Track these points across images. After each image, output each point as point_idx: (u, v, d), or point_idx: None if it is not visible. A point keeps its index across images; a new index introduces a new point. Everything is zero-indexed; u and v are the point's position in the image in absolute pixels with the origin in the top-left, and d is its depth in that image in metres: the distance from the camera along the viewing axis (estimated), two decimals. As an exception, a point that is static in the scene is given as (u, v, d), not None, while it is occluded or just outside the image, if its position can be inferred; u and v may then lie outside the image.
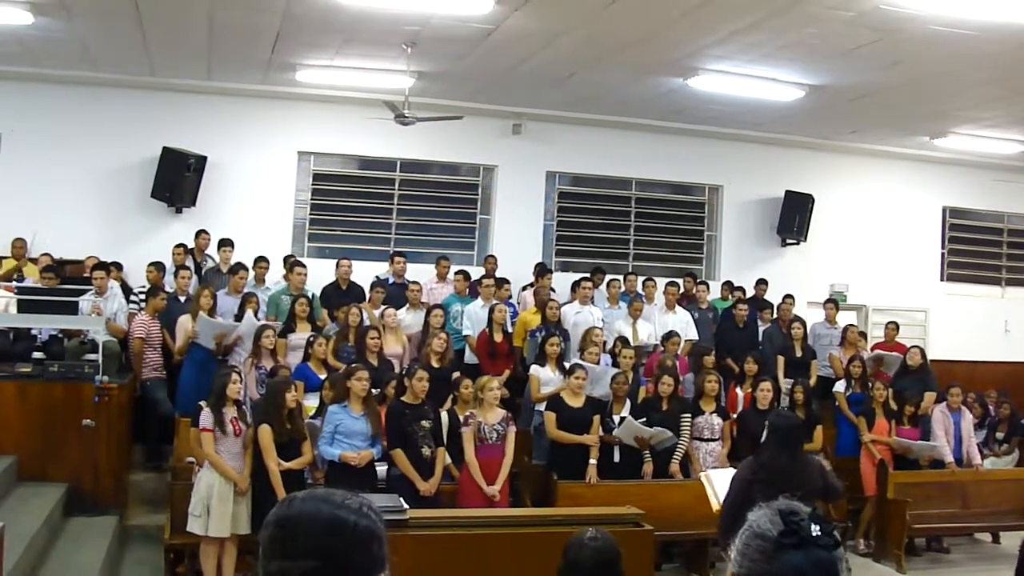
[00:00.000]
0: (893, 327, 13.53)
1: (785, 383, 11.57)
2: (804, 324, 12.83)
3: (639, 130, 15.29)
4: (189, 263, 12.34)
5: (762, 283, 14.30)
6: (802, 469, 6.73)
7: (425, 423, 8.64)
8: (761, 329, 13.23)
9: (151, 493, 10.24)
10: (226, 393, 8.31)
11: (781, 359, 12.30)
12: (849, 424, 11.29)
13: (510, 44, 11.23)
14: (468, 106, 13.78)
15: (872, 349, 13.22)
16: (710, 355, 11.40)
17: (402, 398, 8.79)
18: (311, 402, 9.54)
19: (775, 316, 13.30)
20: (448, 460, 8.90)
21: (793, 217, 16.03)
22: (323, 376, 9.83)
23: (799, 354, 12.40)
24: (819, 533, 1.85)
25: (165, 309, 11.08)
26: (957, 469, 11.11)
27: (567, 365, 10.26)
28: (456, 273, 12.79)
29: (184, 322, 10.63)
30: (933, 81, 11.79)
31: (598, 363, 10.63)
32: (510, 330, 11.76)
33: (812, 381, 11.91)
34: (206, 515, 8.06)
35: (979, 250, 17.83)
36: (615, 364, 10.89)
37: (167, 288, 11.67)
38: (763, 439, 7.10)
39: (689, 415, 10.04)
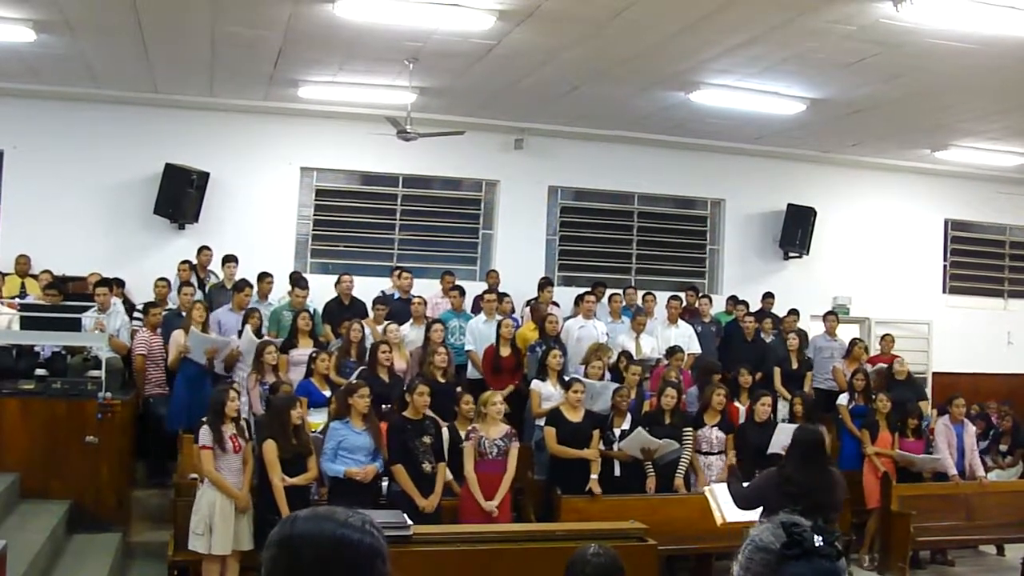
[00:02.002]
0: (890, 339, 13.55)
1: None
2: (799, 336, 12.83)
3: (641, 144, 15.31)
4: (194, 280, 12.33)
5: (769, 296, 14.31)
6: (828, 483, 6.77)
7: (426, 438, 8.62)
8: (768, 342, 13.20)
9: (154, 510, 10.22)
10: (224, 410, 8.30)
11: (778, 371, 12.30)
12: (851, 436, 11.28)
13: (512, 59, 11.26)
14: (470, 121, 13.80)
15: (870, 362, 13.20)
16: (718, 372, 11.39)
17: (404, 413, 8.79)
18: (315, 418, 9.54)
19: (778, 329, 13.29)
20: (449, 476, 8.90)
21: (795, 230, 16.03)
22: (326, 392, 9.85)
23: (795, 366, 12.44)
24: (822, 544, 1.86)
25: (168, 325, 11.08)
26: (961, 481, 11.09)
27: (567, 379, 10.26)
28: (451, 289, 12.79)
29: (177, 337, 10.63)
30: (934, 94, 11.81)
31: (601, 378, 10.63)
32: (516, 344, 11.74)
33: (806, 391, 11.96)
34: (208, 533, 8.04)
35: (981, 262, 17.82)
36: (619, 379, 10.89)
37: (171, 304, 11.69)
38: (786, 452, 7.19)
39: (691, 428, 10.04)
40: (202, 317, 10.59)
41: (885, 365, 12.76)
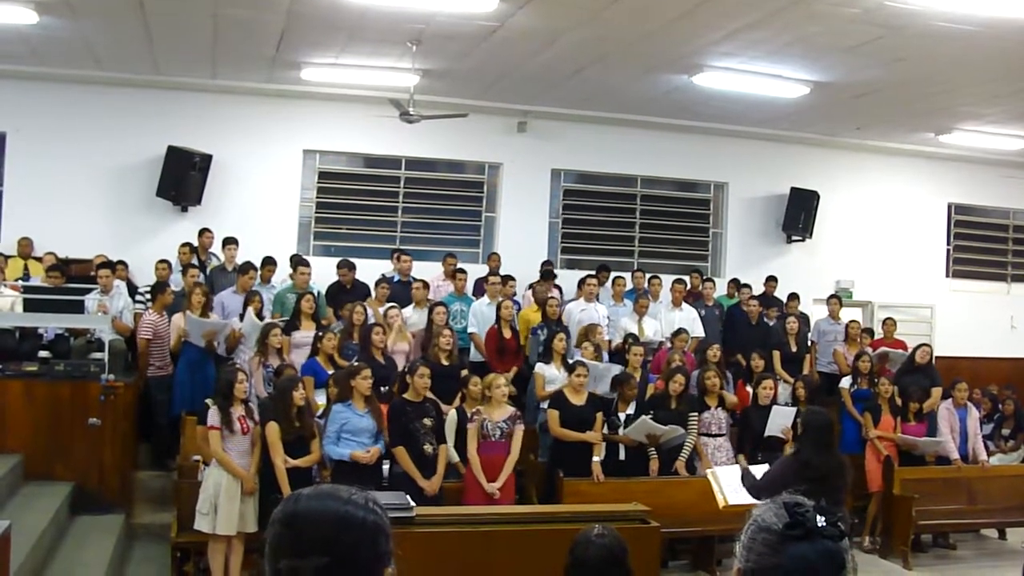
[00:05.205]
0: (891, 323, 13.54)
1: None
2: (799, 320, 12.82)
3: (644, 127, 15.27)
4: (195, 262, 12.32)
5: (772, 280, 14.27)
6: (841, 466, 6.78)
7: (427, 420, 8.62)
8: (771, 325, 13.19)
9: (157, 492, 10.24)
10: (233, 392, 8.31)
11: (777, 354, 12.29)
12: (853, 420, 11.28)
13: (515, 42, 11.22)
14: (473, 104, 13.75)
15: (872, 345, 13.20)
16: (712, 349, 11.37)
17: (404, 395, 8.79)
18: (322, 398, 9.52)
19: (783, 312, 13.28)
20: (456, 458, 8.91)
21: (798, 214, 16.02)
22: (331, 372, 9.82)
23: (794, 349, 12.43)
24: (824, 524, 1.86)
25: (173, 307, 11.05)
26: (963, 465, 11.10)
27: (571, 362, 10.25)
28: (455, 271, 12.77)
29: (177, 320, 10.61)
30: (938, 77, 11.77)
31: (597, 359, 10.62)
32: (517, 327, 11.73)
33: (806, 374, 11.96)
34: (213, 513, 8.07)
35: (984, 246, 17.81)
36: (623, 361, 10.89)
37: (173, 286, 11.67)
38: (799, 438, 7.20)
39: (696, 413, 10.05)
40: (201, 301, 10.54)
41: (889, 349, 12.77)
